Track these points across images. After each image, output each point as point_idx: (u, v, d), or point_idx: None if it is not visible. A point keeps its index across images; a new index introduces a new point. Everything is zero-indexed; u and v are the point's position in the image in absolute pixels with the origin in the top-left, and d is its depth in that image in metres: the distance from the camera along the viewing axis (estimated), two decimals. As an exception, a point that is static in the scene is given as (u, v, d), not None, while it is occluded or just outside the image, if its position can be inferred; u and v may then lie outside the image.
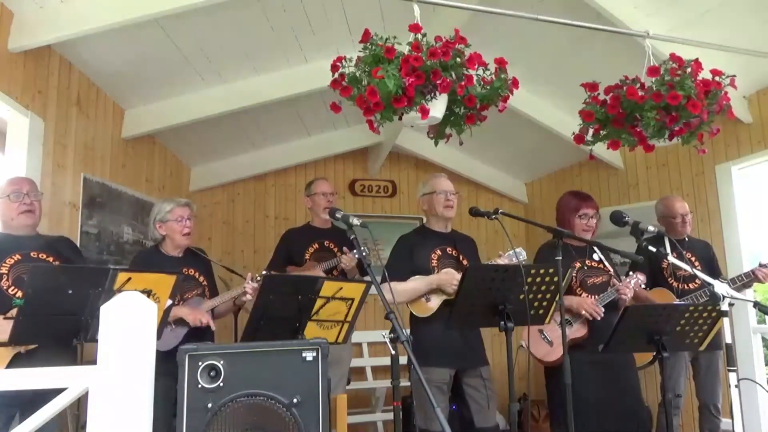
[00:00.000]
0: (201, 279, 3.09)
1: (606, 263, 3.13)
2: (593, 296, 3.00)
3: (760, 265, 3.32)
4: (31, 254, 2.58)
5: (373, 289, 2.50)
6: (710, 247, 3.81)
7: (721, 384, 3.49)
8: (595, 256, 3.14)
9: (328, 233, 3.68)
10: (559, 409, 2.98)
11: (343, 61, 2.48)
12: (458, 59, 2.46)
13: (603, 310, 2.92)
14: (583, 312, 2.91)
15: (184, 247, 3.10)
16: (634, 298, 3.29)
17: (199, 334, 2.92)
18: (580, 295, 3.03)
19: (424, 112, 2.44)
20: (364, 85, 2.41)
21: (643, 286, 3.10)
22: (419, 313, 2.93)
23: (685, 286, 3.51)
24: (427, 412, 2.78)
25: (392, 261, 3.03)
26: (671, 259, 2.62)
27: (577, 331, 2.95)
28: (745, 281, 3.31)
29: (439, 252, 3.04)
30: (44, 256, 2.61)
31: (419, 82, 2.35)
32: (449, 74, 2.45)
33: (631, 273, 3.07)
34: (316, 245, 3.62)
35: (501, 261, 2.91)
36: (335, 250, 3.61)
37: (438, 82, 2.39)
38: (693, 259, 3.49)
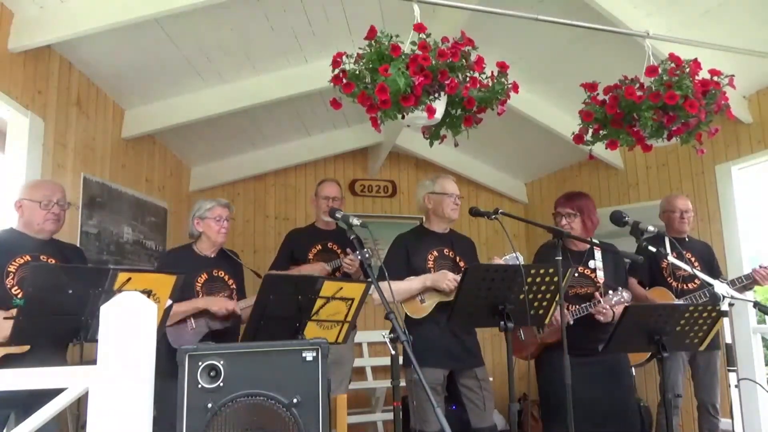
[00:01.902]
0: (230, 282, 3.08)
1: (599, 272, 3.02)
2: (572, 306, 2.93)
3: (760, 267, 3.32)
4: (41, 257, 2.59)
5: (372, 290, 2.50)
6: (710, 247, 3.82)
7: (719, 384, 3.49)
8: (591, 264, 3.04)
9: (332, 235, 3.68)
10: (546, 410, 3.00)
11: (344, 57, 2.48)
12: (465, 61, 2.46)
13: (569, 320, 2.84)
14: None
15: (219, 246, 3.11)
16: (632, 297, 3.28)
17: (221, 335, 2.91)
18: None
19: (431, 112, 2.44)
20: (368, 82, 2.41)
21: (627, 304, 2.90)
22: (414, 314, 2.93)
23: (684, 286, 3.51)
24: (422, 414, 2.78)
25: (388, 260, 3.03)
26: (671, 259, 2.62)
27: (551, 334, 2.93)
28: (744, 283, 3.31)
29: (435, 253, 3.04)
30: (52, 261, 2.62)
31: (427, 81, 2.35)
32: (456, 75, 2.45)
33: (619, 290, 2.92)
34: (319, 246, 3.63)
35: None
36: (338, 251, 3.62)
37: (446, 82, 2.39)
38: (692, 259, 3.49)
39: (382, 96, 2.33)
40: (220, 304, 2.90)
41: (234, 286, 3.10)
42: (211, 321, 2.94)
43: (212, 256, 3.10)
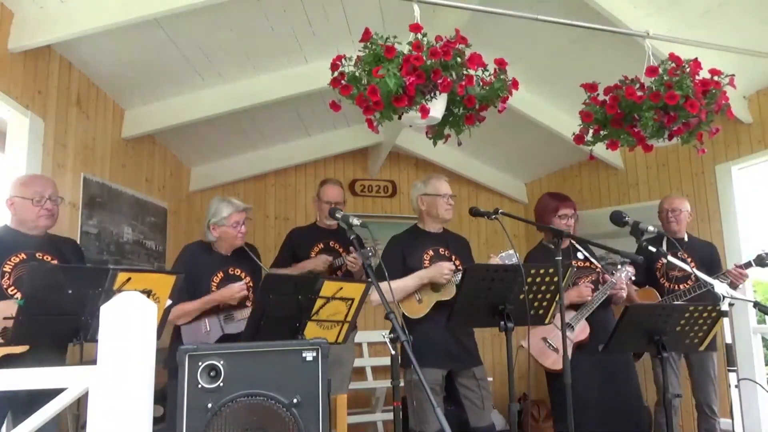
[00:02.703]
0: (247, 279, 3.03)
1: (592, 260, 3.14)
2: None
3: (735, 267, 3.35)
4: (36, 254, 2.56)
5: (370, 291, 2.50)
6: (713, 247, 3.81)
7: (714, 384, 3.50)
8: (580, 255, 3.15)
9: (334, 234, 3.68)
10: (561, 409, 3.00)
11: (343, 60, 2.48)
12: (459, 59, 2.46)
13: (592, 287, 3.00)
14: (587, 297, 2.97)
15: (236, 247, 3.07)
16: None
17: (233, 339, 2.86)
18: None
19: (424, 112, 2.44)
20: (364, 84, 2.41)
21: (633, 278, 3.10)
22: (411, 314, 2.93)
23: (677, 287, 3.52)
24: (421, 414, 2.78)
25: (384, 262, 3.02)
26: (671, 259, 2.62)
27: (580, 332, 2.96)
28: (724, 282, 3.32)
29: (431, 252, 3.05)
30: (48, 258, 2.60)
31: (420, 81, 2.35)
32: (450, 74, 2.45)
33: (620, 266, 3.05)
34: (321, 245, 3.63)
35: (492, 263, 2.91)
36: (341, 250, 3.62)
37: (439, 81, 2.39)
38: (690, 259, 3.49)
39: (374, 98, 2.34)
40: (227, 293, 2.84)
41: (251, 284, 3.04)
42: (225, 323, 2.90)
43: (228, 254, 3.06)
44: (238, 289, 2.87)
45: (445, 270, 2.86)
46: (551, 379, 3.08)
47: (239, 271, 3.04)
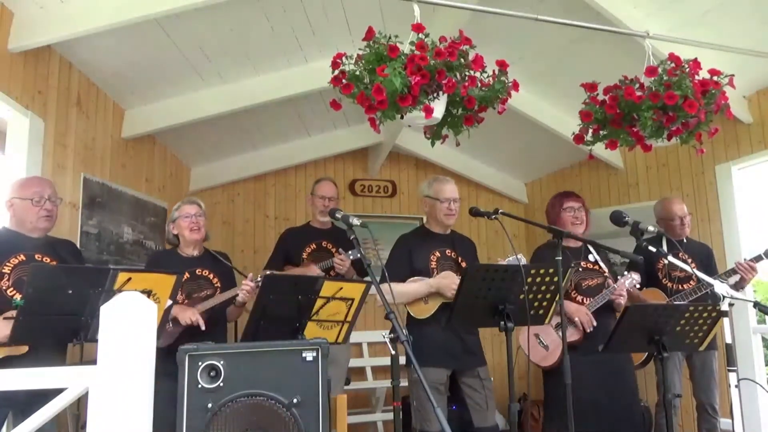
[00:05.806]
0: (215, 280, 3.05)
1: (601, 264, 3.14)
2: (588, 298, 3.02)
3: (744, 261, 3.35)
4: (35, 256, 2.56)
5: (372, 289, 2.50)
6: (709, 248, 3.81)
7: (717, 384, 3.50)
8: (591, 257, 3.14)
9: (327, 234, 3.67)
10: (553, 409, 3.00)
11: (343, 58, 2.48)
12: (462, 60, 2.46)
13: (594, 323, 2.95)
14: (577, 320, 2.94)
15: (195, 244, 3.10)
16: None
17: (197, 332, 2.87)
18: (575, 297, 3.05)
19: (428, 112, 2.44)
20: (366, 82, 2.41)
21: (637, 286, 3.09)
22: (417, 314, 2.93)
23: (679, 287, 3.51)
24: (424, 413, 2.78)
25: (391, 261, 3.03)
26: (671, 259, 2.62)
27: (571, 335, 2.95)
28: (730, 277, 3.32)
29: (438, 253, 3.05)
30: (47, 260, 2.60)
31: (424, 81, 2.35)
32: (454, 75, 2.45)
33: (626, 273, 3.07)
34: (313, 245, 3.61)
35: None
36: (333, 250, 3.61)
37: (444, 82, 2.39)
38: (690, 260, 3.49)
39: (379, 96, 2.33)
40: (185, 314, 2.85)
41: (219, 284, 3.05)
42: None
43: (196, 255, 3.09)
44: (190, 317, 2.85)
45: (453, 286, 2.84)
46: (545, 377, 3.09)
47: (207, 272, 3.06)
